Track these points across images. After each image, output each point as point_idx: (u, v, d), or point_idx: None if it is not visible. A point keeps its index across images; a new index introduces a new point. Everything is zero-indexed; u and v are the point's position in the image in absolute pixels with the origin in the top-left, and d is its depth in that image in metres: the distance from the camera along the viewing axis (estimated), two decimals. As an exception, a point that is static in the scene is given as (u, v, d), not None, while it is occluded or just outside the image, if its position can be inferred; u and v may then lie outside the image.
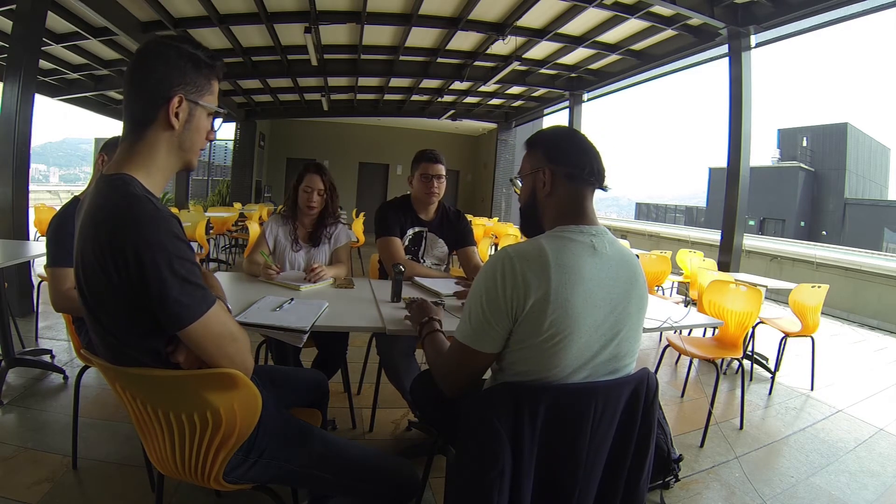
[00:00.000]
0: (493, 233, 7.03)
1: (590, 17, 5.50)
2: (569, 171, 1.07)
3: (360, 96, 10.04)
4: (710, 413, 2.32)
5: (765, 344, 3.63)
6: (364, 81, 8.64)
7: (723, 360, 3.17)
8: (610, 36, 5.96)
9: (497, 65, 7.28)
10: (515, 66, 7.08)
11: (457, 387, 1.08)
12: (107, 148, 1.82)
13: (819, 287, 2.93)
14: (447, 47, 6.74)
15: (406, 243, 2.23)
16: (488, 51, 6.79)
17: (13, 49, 3.68)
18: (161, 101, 0.88)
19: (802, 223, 22.97)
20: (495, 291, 0.95)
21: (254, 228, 4.31)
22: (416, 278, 2.04)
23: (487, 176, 12.71)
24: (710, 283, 2.77)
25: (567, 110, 8.62)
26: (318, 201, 2.18)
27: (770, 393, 3.02)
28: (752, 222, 22.12)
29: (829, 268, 7.39)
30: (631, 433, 0.98)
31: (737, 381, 3.13)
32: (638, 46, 6.21)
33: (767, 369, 3.27)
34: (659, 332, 3.73)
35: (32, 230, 5.09)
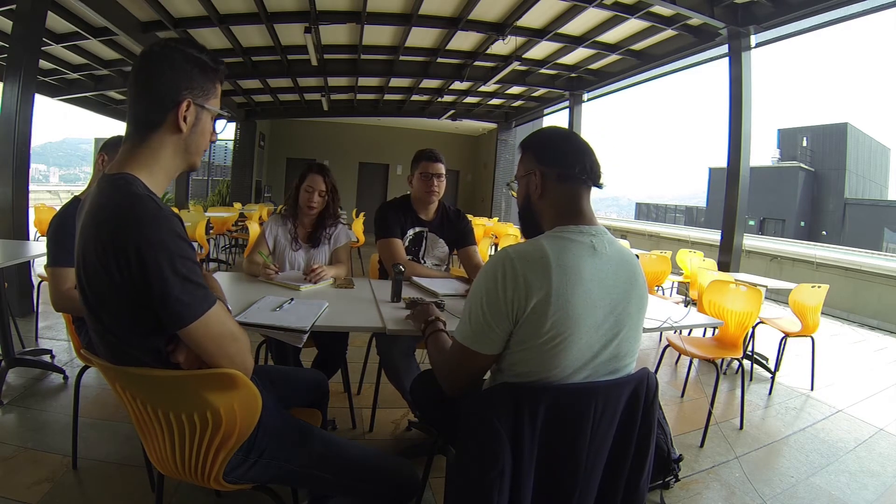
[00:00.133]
0: (493, 233, 7.03)
1: (590, 17, 5.50)
2: (560, 171, 1.07)
3: (360, 96, 10.04)
4: (710, 413, 2.32)
5: (765, 344, 3.63)
6: (364, 81, 8.65)
7: (723, 360, 3.17)
8: (610, 36, 5.96)
9: (497, 65, 7.29)
10: (515, 66, 7.08)
11: (457, 387, 1.08)
12: (107, 148, 1.82)
13: (819, 287, 2.93)
14: (447, 47, 6.75)
15: (406, 244, 2.23)
16: (488, 51, 6.79)
17: (13, 49, 3.68)
18: (170, 104, 0.89)
19: (802, 223, 22.97)
20: (496, 293, 0.95)
21: (254, 228, 4.31)
22: (414, 278, 2.04)
23: (487, 176, 12.71)
24: (710, 283, 2.77)
25: (567, 110, 8.62)
26: (319, 202, 2.18)
27: (770, 393, 3.02)
28: (752, 222, 22.12)
29: (829, 268, 7.39)
30: (631, 433, 0.98)
31: (737, 381, 3.13)
32: (638, 46, 6.22)
33: (767, 369, 3.27)
34: (659, 332, 3.73)
35: (32, 230, 5.09)
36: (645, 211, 33.37)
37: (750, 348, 3.21)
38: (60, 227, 1.68)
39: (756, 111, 4.95)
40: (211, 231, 6.03)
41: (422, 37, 6.48)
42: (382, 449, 1.65)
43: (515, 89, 9.11)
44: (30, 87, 3.63)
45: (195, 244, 4.70)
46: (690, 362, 3.26)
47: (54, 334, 3.14)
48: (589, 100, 8.32)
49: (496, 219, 10.32)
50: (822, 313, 3.06)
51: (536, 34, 6.04)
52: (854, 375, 3.56)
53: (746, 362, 3.18)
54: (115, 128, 11.47)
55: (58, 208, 1.79)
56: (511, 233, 6.43)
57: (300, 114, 11.70)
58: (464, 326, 1.02)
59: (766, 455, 2.24)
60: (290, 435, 1.07)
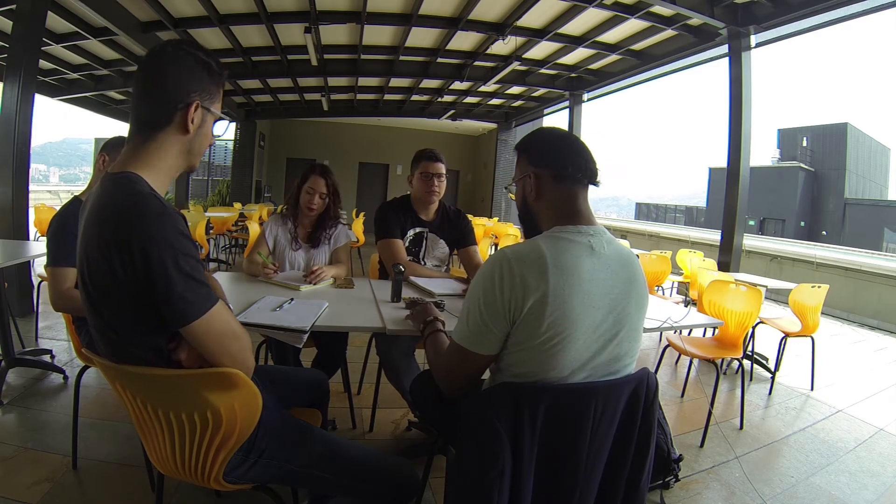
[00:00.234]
0: (493, 233, 7.03)
1: (590, 17, 5.50)
2: (554, 172, 1.07)
3: (360, 96, 10.04)
4: (710, 413, 2.32)
5: (765, 344, 3.63)
6: (364, 81, 8.64)
7: (723, 360, 3.17)
8: (610, 36, 5.96)
9: (497, 65, 7.28)
10: (515, 66, 7.08)
11: (455, 387, 1.08)
12: (107, 148, 1.82)
13: (819, 287, 2.93)
14: (447, 47, 6.74)
15: (406, 244, 2.23)
16: (488, 51, 6.79)
17: (13, 49, 3.68)
18: (180, 105, 0.90)
19: (802, 223, 22.97)
20: (493, 294, 0.95)
21: (254, 228, 4.31)
22: (412, 277, 2.04)
23: (487, 176, 12.71)
24: (710, 283, 2.77)
25: (567, 110, 8.62)
26: (319, 204, 2.18)
27: (770, 393, 3.02)
28: (752, 222, 22.12)
29: (829, 268, 7.39)
30: (631, 433, 0.98)
31: (737, 381, 3.13)
32: (638, 46, 6.21)
33: (767, 369, 3.27)
34: (659, 332, 3.73)
35: (32, 230, 5.09)
36: (645, 211, 33.37)
37: (750, 348, 3.21)
38: (60, 227, 1.68)
39: (756, 111, 4.95)
40: (211, 231, 6.04)
41: (422, 37, 6.48)
42: (382, 449, 1.65)
43: (515, 89, 9.11)
44: (30, 87, 3.63)
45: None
46: (690, 362, 3.26)
47: (54, 334, 3.14)
48: (589, 100, 8.32)
49: (496, 219, 10.31)
50: (822, 313, 3.06)
51: (536, 34, 6.04)
52: (854, 375, 3.56)
53: (746, 362, 3.18)
54: (115, 128, 11.47)
55: (58, 208, 1.79)
56: (511, 233, 6.43)
57: (300, 114, 11.69)
58: (461, 327, 1.02)
59: (766, 455, 2.24)
60: (290, 435, 1.07)
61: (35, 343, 2.95)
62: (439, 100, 9.88)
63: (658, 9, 5.00)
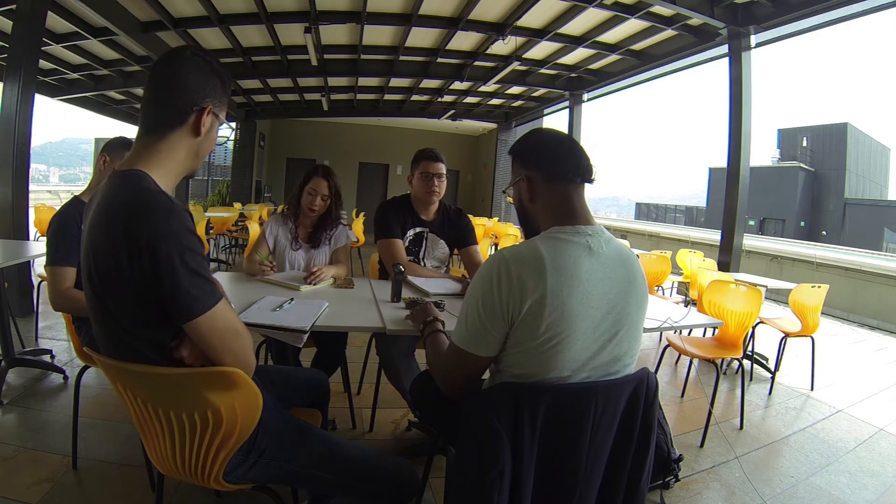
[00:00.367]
0: (493, 233, 7.04)
1: (590, 17, 5.50)
2: (545, 173, 1.07)
3: (360, 96, 10.03)
4: (710, 413, 2.32)
5: (765, 344, 3.63)
6: (364, 81, 8.64)
7: (723, 360, 3.17)
8: (610, 36, 5.96)
9: (497, 65, 7.28)
10: (515, 66, 7.08)
11: (455, 388, 1.08)
12: (108, 148, 1.82)
13: (819, 287, 2.93)
14: (447, 47, 6.74)
15: (406, 244, 2.22)
16: (488, 51, 6.79)
17: (13, 49, 3.68)
18: (194, 108, 0.94)
19: (802, 223, 22.97)
20: (491, 295, 0.95)
21: (254, 228, 4.31)
22: (409, 277, 2.03)
23: (487, 176, 12.71)
24: (710, 283, 2.77)
25: (567, 110, 8.62)
26: (321, 205, 2.18)
27: (770, 393, 3.02)
28: (752, 222, 22.12)
29: (829, 268, 7.39)
30: (631, 433, 0.98)
31: (737, 381, 3.13)
32: (638, 46, 6.21)
33: (767, 369, 3.27)
34: (659, 332, 3.73)
35: (32, 230, 5.09)
36: (645, 211, 33.37)
37: (750, 348, 3.21)
38: (60, 227, 1.68)
39: (756, 111, 4.95)
40: (211, 231, 6.04)
41: (422, 37, 6.48)
42: (382, 449, 1.65)
43: (515, 89, 9.11)
44: (30, 87, 3.63)
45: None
46: (690, 362, 3.26)
47: (54, 334, 3.14)
48: (589, 100, 8.32)
49: (496, 219, 10.31)
50: (822, 313, 3.06)
51: (536, 34, 6.04)
52: (854, 375, 3.56)
53: (746, 362, 3.18)
54: (116, 128, 11.48)
55: (58, 208, 1.79)
56: (511, 233, 6.43)
57: (300, 114, 11.69)
58: (460, 329, 1.02)
59: (766, 455, 2.24)
60: (290, 435, 1.07)
61: (35, 343, 2.95)
62: (439, 100, 9.88)
63: (658, 9, 5.00)
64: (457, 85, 8.54)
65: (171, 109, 0.93)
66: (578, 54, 6.79)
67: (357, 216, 7.77)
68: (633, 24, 5.57)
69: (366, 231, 6.96)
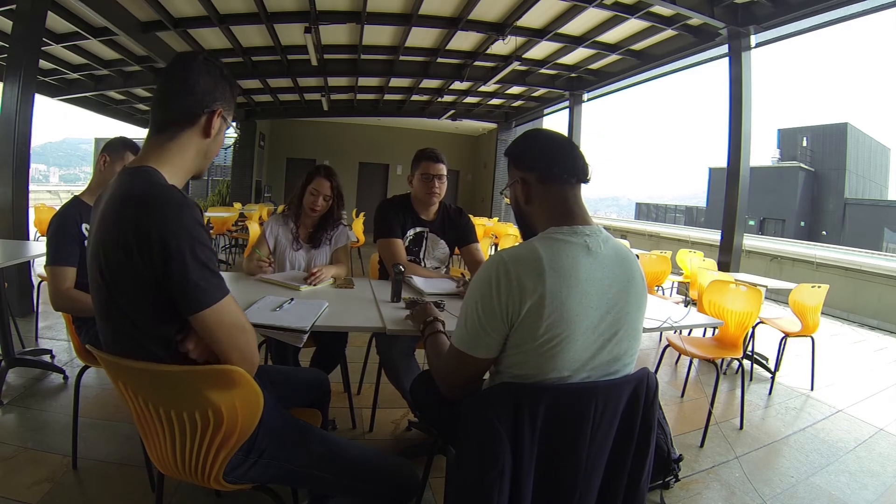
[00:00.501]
0: (493, 233, 7.04)
1: (590, 17, 5.50)
2: (539, 175, 1.07)
3: (360, 96, 10.03)
4: (710, 413, 2.32)
5: (765, 344, 3.63)
6: (364, 81, 8.64)
7: (723, 360, 3.17)
8: (610, 36, 5.96)
9: (497, 65, 7.28)
10: (515, 66, 7.08)
11: (455, 389, 1.08)
12: (108, 149, 1.82)
13: (819, 287, 2.93)
14: (447, 47, 6.74)
15: (406, 244, 2.21)
16: (488, 51, 6.79)
17: (13, 49, 3.68)
18: (206, 110, 0.97)
19: (802, 223, 22.97)
20: (490, 298, 0.95)
21: (254, 228, 4.31)
22: (407, 276, 2.03)
23: (487, 176, 12.71)
24: (710, 283, 2.77)
25: (567, 110, 8.62)
26: (323, 206, 2.18)
27: (770, 393, 3.02)
28: (752, 222, 22.12)
29: (829, 268, 7.39)
30: (631, 433, 0.98)
31: (737, 381, 3.13)
32: (638, 46, 6.21)
33: (767, 369, 3.27)
34: (659, 332, 3.73)
35: (32, 230, 5.09)
36: (645, 211, 33.36)
37: (750, 348, 3.21)
38: (60, 227, 1.68)
39: (756, 111, 4.95)
40: (211, 231, 6.03)
41: (422, 37, 6.48)
42: (382, 449, 1.65)
43: (515, 89, 9.11)
44: (30, 87, 3.63)
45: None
46: (690, 362, 3.26)
47: (54, 334, 3.14)
48: (589, 100, 8.32)
49: (496, 219, 10.32)
50: (822, 313, 3.06)
51: (536, 34, 6.04)
52: (854, 375, 3.56)
53: (746, 362, 3.18)
54: (116, 128, 11.48)
55: (58, 208, 1.79)
56: (511, 233, 6.43)
57: (300, 114, 11.69)
58: (460, 331, 1.02)
59: (766, 455, 2.24)
60: (290, 435, 1.07)
61: (35, 343, 2.95)
62: (439, 100, 9.87)
63: (658, 9, 5.00)
64: (457, 85, 8.54)
65: (183, 110, 0.96)
66: (578, 54, 6.79)
67: (357, 216, 7.77)
68: (633, 24, 5.57)
69: (366, 231, 6.95)
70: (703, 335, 3.41)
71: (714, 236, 9.22)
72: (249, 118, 11.33)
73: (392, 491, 1.11)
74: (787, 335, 3.04)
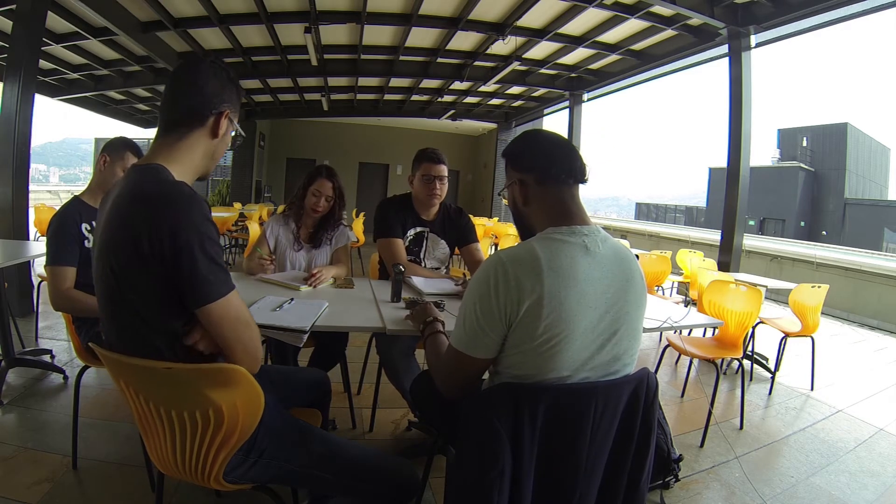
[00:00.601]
0: (493, 233, 7.04)
1: (590, 17, 5.50)
2: (536, 175, 1.07)
3: (360, 96, 10.03)
4: (710, 413, 2.32)
5: (765, 344, 3.63)
6: (364, 81, 8.64)
7: (723, 360, 3.17)
8: (610, 36, 5.96)
9: (497, 65, 7.28)
10: (515, 66, 7.08)
11: (455, 390, 1.08)
12: (108, 149, 1.82)
13: (819, 287, 2.93)
14: (447, 47, 6.74)
15: (407, 244, 2.21)
16: (488, 51, 6.79)
17: (13, 49, 3.68)
18: (214, 111, 1.00)
19: (802, 223, 22.97)
20: (489, 298, 0.95)
21: (254, 228, 4.31)
22: (407, 276, 2.03)
23: (487, 176, 12.71)
24: (710, 283, 2.77)
25: (567, 110, 8.62)
26: (325, 206, 2.18)
27: (770, 393, 3.02)
28: (752, 222, 22.12)
29: (829, 268, 7.38)
30: (631, 433, 0.97)
31: (737, 381, 3.13)
32: (638, 46, 6.22)
33: (767, 369, 3.27)
34: (659, 332, 3.73)
35: (32, 230, 5.09)
36: (645, 211, 33.37)
37: (750, 348, 3.21)
38: (60, 227, 1.68)
39: (756, 111, 4.95)
40: (212, 230, 6.02)
41: (422, 37, 6.48)
42: (382, 449, 1.65)
43: (515, 89, 9.11)
44: (30, 87, 3.63)
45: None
46: (690, 362, 3.26)
47: (54, 334, 3.14)
48: (589, 100, 8.32)
49: (496, 219, 10.32)
50: (822, 313, 3.06)
51: (536, 34, 6.04)
52: (854, 375, 3.56)
53: (746, 362, 3.18)
54: (116, 128, 11.48)
55: (58, 208, 1.79)
56: (511, 233, 6.42)
57: (300, 114, 11.69)
58: (459, 332, 1.02)
59: (766, 455, 2.24)
60: (291, 435, 1.07)
61: (35, 343, 2.95)
62: (439, 100, 9.88)
63: (658, 9, 5.00)
64: (457, 85, 8.54)
65: (192, 111, 0.98)
66: (578, 54, 6.79)
67: (357, 216, 7.76)
68: (633, 24, 5.57)
69: (366, 231, 6.95)
70: (703, 335, 3.41)
71: (714, 236, 9.22)
72: (249, 118, 11.32)
73: (392, 491, 1.11)
74: (787, 335, 3.04)
